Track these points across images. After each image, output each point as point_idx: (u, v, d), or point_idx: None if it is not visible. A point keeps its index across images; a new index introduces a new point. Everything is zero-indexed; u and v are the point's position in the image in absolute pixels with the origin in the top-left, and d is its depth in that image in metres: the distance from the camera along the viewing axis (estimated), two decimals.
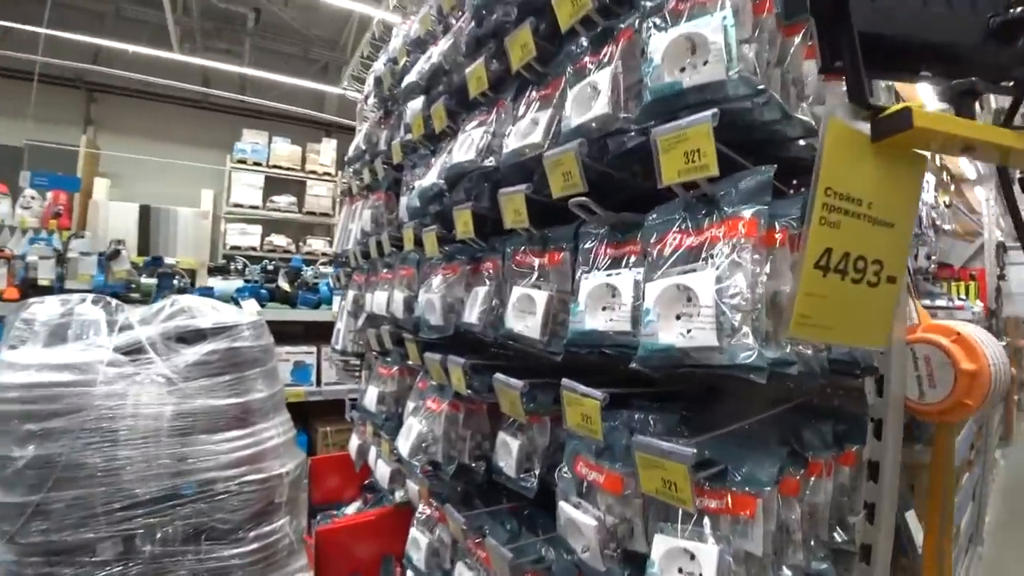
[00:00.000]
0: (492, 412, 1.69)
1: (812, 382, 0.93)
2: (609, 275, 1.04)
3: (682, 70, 0.85)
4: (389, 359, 2.25)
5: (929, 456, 1.34)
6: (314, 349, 4.44)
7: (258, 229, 8.59)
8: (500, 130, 1.41)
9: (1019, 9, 0.81)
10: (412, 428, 1.64)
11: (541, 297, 1.21)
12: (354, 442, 2.62)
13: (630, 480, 0.97)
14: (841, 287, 0.79)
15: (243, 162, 8.52)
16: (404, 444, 1.62)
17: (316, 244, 9.28)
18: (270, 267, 5.90)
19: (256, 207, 8.47)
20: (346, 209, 3.15)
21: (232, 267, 6.10)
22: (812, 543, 0.97)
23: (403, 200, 2.16)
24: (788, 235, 0.84)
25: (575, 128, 1.05)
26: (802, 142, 1.01)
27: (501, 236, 1.55)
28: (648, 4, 0.93)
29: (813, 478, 0.99)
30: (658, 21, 0.89)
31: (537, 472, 1.42)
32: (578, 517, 1.00)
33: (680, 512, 0.87)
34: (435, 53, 1.79)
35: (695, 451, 0.78)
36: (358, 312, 2.71)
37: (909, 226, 0.85)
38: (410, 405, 1.89)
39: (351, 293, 2.74)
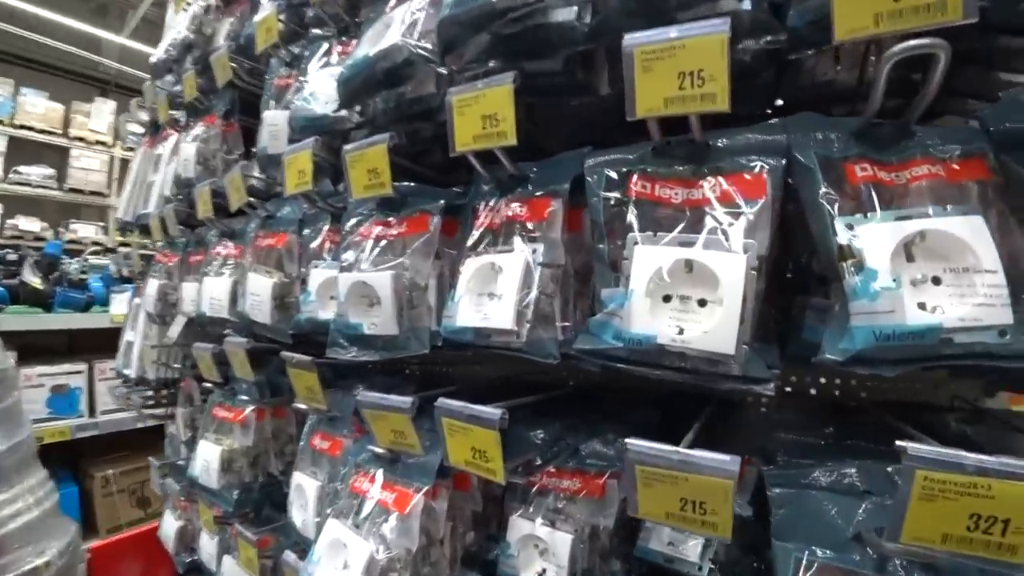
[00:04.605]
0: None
1: None
2: None
3: None
4: (244, 395, 1.30)
5: None
6: (83, 367, 3.22)
7: None
8: None
9: None
10: (357, 552, 0.79)
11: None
12: (170, 524, 1.56)
13: None
14: None
15: None
16: None
17: (84, 230, 7.15)
18: (12, 256, 4.16)
19: None
20: (140, 155, 2.01)
21: None
22: None
23: (271, 117, 1.26)
24: None
25: None
26: None
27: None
28: None
29: None
30: None
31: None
32: None
33: None
34: None
35: None
36: (166, 313, 1.65)
37: None
38: (306, 485, 1.01)
39: (154, 284, 1.66)
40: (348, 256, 0.97)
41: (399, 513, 0.80)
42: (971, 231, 0.52)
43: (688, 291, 0.65)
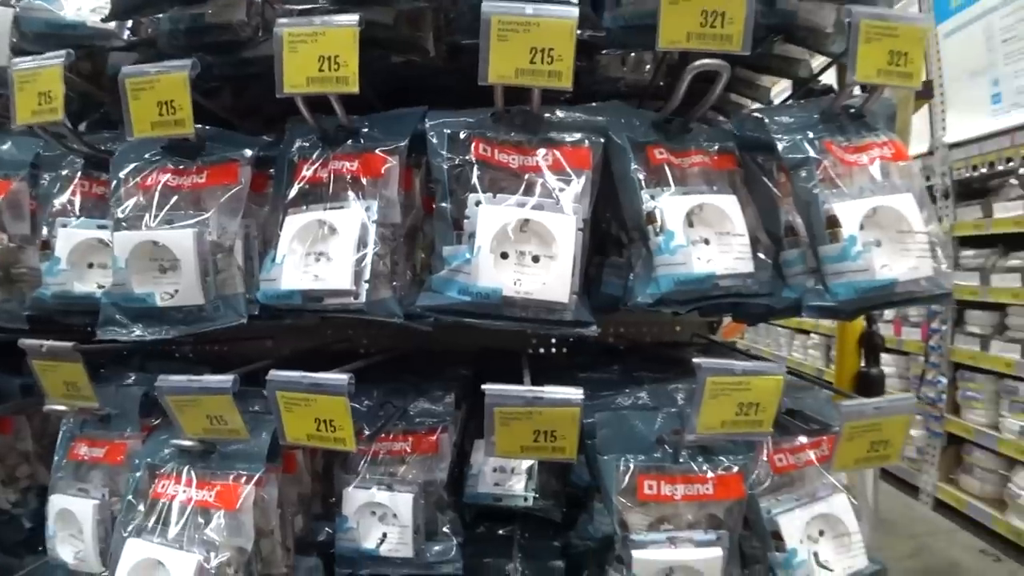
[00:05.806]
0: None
1: None
2: None
3: None
4: None
5: None
6: None
7: None
8: None
9: None
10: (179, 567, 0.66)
11: None
12: None
13: None
14: None
15: None
16: None
17: None
18: None
19: None
20: None
21: None
22: None
23: None
24: None
25: None
26: None
27: None
28: None
29: None
30: None
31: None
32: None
33: None
34: None
35: None
36: None
37: None
38: (77, 508, 0.80)
39: None
40: (126, 211, 0.79)
41: (227, 510, 0.70)
42: (730, 205, 0.70)
43: (523, 248, 0.73)
